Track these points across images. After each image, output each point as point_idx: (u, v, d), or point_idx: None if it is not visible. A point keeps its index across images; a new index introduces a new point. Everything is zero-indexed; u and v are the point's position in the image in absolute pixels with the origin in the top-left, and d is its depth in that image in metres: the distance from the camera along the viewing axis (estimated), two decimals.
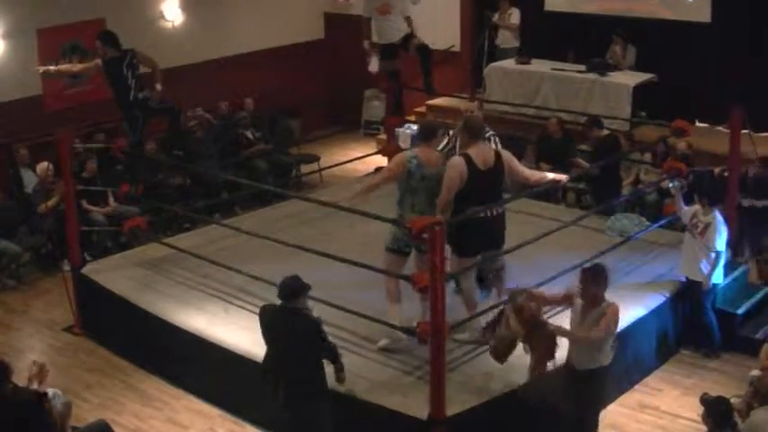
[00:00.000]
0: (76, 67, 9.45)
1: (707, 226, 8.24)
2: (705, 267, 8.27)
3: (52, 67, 9.44)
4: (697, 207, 8.45)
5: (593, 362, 6.52)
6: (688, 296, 8.47)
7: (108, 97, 9.71)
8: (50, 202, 10.57)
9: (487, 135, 7.87)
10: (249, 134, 13.14)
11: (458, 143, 7.91)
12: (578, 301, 6.59)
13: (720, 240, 8.25)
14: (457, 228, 7.10)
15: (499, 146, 7.88)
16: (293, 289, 6.35)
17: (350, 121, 15.68)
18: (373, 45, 11.03)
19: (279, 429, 7.44)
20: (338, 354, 6.62)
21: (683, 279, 8.49)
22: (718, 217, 8.30)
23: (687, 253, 8.44)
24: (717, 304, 8.55)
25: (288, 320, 6.38)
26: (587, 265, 6.90)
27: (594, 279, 6.48)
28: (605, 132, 10.89)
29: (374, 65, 10.96)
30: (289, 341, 6.37)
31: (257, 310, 8.05)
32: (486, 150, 7.26)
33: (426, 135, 7.37)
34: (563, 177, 7.90)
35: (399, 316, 7.34)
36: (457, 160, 7.14)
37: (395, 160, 7.45)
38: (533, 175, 7.70)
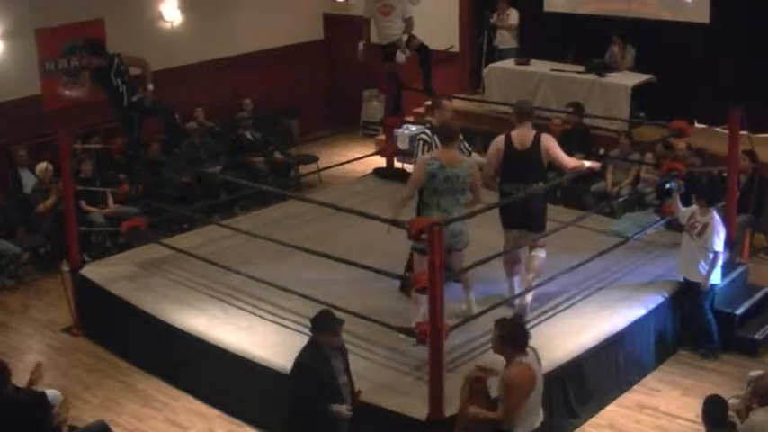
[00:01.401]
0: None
1: (705, 226, 8.22)
2: (703, 268, 8.26)
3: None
4: (694, 208, 8.44)
5: (517, 427, 5.92)
6: (686, 297, 8.46)
7: (105, 98, 9.73)
8: (49, 202, 10.57)
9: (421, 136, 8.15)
10: (249, 135, 13.13)
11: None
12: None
13: (719, 240, 8.24)
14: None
15: (432, 147, 8.04)
16: (312, 320, 6.16)
17: (349, 121, 15.68)
18: (369, 45, 11.02)
19: (278, 430, 7.46)
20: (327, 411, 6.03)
21: (682, 279, 8.49)
22: (716, 217, 8.29)
23: (685, 254, 8.41)
24: (716, 304, 8.53)
25: (302, 349, 6.21)
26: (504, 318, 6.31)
27: (500, 333, 5.93)
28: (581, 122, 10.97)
29: (401, 56, 10.87)
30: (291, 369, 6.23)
31: (256, 311, 8.13)
32: (525, 133, 7.76)
33: (445, 137, 7.46)
34: (597, 165, 8.34)
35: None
36: (497, 138, 7.83)
37: (416, 166, 7.50)
38: (571, 162, 8.03)
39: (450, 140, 7.42)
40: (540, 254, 7.96)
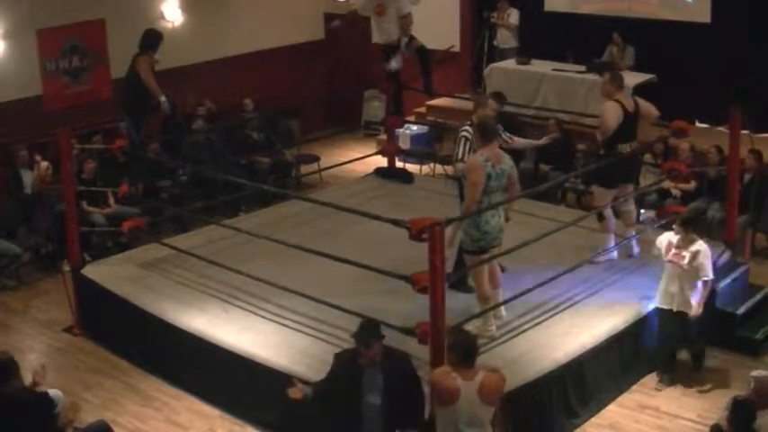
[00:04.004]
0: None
1: (695, 255, 7.76)
2: (696, 296, 7.83)
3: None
4: (669, 235, 7.97)
5: None
6: (673, 328, 7.95)
7: (106, 98, 9.73)
8: (44, 173, 10.54)
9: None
10: (255, 135, 13.13)
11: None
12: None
13: (710, 266, 7.87)
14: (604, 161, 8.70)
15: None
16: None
17: (350, 121, 15.67)
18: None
19: (278, 429, 7.47)
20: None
21: (660, 309, 8.00)
22: (704, 244, 7.88)
23: (672, 285, 7.87)
24: (717, 304, 8.51)
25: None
26: None
27: (448, 343, 6.03)
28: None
29: (396, 62, 10.93)
30: None
31: (257, 311, 8.14)
32: (627, 98, 8.80)
33: (488, 136, 7.54)
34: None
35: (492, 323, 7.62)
36: (613, 104, 8.65)
37: (473, 169, 7.43)
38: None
39: (493, 138, 7.60)
40: (631, 207, 9.12)
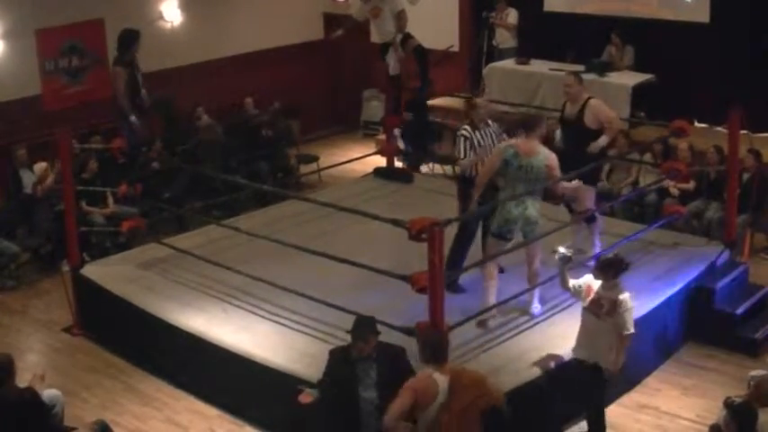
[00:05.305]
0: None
1: (614, 304, 6.76)
2: (614, 352, 6.84)
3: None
4: (588, 279, 6.97)
5: None
6: (587, 383, 7.00)
7: (105, 98, 9.71)
8: (47, 182, 10.52)
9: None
10: (265, 133, 13.12)
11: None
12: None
13: (632, 318, 6.88)
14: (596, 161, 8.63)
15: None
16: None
17: (349, 121, 15.69)
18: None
19: (278, 429, 7.47)
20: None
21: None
22: (626, 292, 6.86)
23: (591, 337, 6.89)
24: (717, 304, 8.52)
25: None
26: None
27: (421, 341, 5.99)
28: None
29: (391, 58, 11.00)
30: None
31: (256, 311, 8.14)
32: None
33: (528, 126, 7.68)
34: None
35: (493, 293, 7.73)
36: (599, 100, 8.62)
37: (493, 153, 7.80)
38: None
39: (531, 129, 7.67)
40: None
